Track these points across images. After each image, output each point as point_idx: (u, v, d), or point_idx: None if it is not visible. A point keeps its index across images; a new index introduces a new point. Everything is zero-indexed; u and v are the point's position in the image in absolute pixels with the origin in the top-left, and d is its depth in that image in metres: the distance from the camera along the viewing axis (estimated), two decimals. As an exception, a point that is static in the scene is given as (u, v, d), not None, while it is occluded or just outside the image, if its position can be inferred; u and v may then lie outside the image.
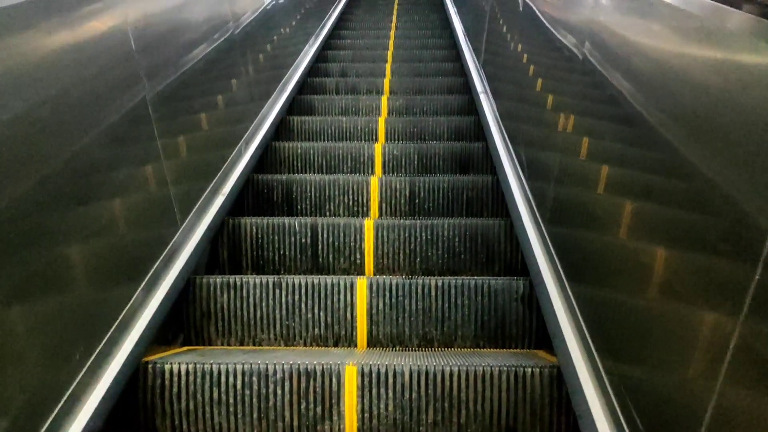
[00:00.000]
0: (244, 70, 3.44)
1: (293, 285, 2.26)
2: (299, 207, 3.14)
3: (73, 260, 1.59)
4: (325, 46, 5.99)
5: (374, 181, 3.13)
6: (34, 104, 1.39)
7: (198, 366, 1.83)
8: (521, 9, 3.20)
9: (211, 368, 1.83)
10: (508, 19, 3.68)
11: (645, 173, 1.50)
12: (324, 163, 3.56)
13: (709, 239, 1.14)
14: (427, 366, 1.83)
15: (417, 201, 3.12)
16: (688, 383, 1.18)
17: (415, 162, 3.56)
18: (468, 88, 4.60)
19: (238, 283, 2.27)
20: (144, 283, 1.95)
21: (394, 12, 7.64)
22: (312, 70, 5.21)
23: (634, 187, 1.57)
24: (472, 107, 4.25)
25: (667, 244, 1.34)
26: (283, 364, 1.83)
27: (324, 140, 3.98)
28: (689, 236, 1.23)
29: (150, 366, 1.83)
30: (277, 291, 2.26)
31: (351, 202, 3.13)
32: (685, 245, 1.25)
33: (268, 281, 2.27)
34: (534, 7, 2.91)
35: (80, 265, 1.62)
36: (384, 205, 3.12)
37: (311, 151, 3.57)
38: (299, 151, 3.58)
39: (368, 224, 2.68)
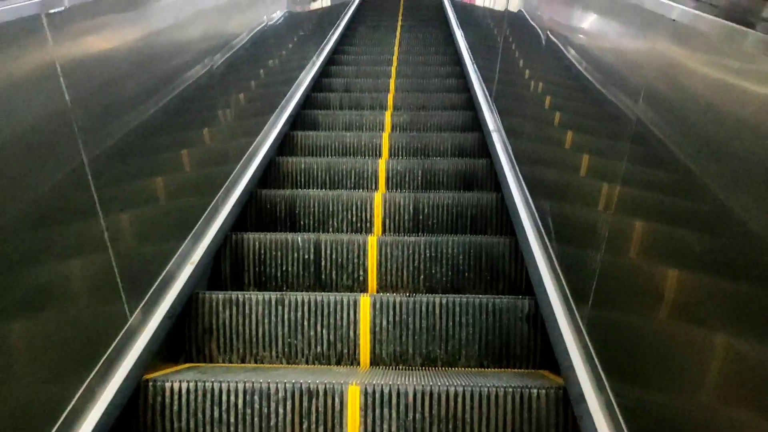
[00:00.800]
0: (243, 91, 3.45)
1: (296, 302, 2.24)
2: (302, 222, 3.12)
3: (73, 276, 1.57)
4: (329, 61, 6.00)
5: (378, 197, 3.11)
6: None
7: (199, 384, 1.81)
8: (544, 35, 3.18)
9: (212, 386, 1.80)
10: (525, 37, 3.67)
11: (653, 193, 1.48)
12: (328, 178, 3.55)
13: (720, 261, 1.12)
14: (431, 386, 1.80)
15: (421, 217, 3.10)
16: (699, 406, 1.15)
17: (419, 177, 3.54)
18: (472, 104, 4.60)
19: (241, 300, 2.25)
20: (146, 299, 1.93)
21: (398, 29, 7.66)
22: (315, 87, 5.21)
23: (643, 209, 1.55)
24: (476, 124, 4.24)
25: (677, 266, 1.32)
26: (285, 383, 1.80)
27: (328, 155, 3.97)
28: (699, 258, 1.21)
29: (150, 384, 1.81)
30: (280, 308, 2.24)
31: (354, 218, 3.11)
32: (694, 267, 1.23)
33: (270, 298, 2.25)
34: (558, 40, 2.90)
35: (80, 281, 1.61)
36: (387, 221, 3.10)
37: (315, 166, 3.56)
38: (303, 166, 3.57)
39: (372, 241, 2.66)
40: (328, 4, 7.03)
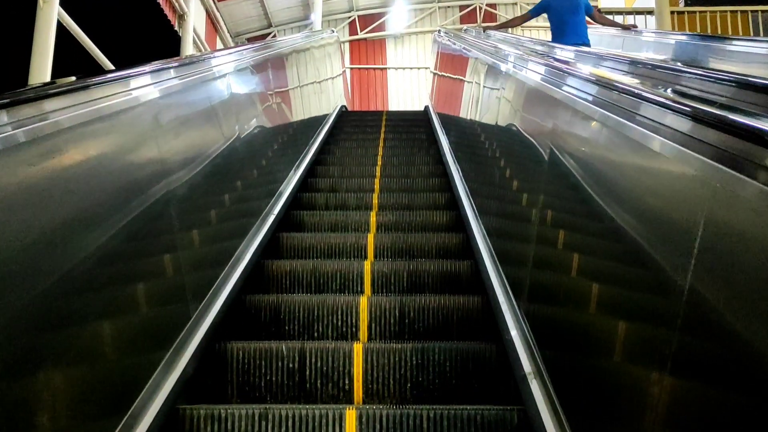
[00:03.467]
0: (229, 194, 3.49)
1: (280, 417, 2.18)
2: (287, 328, 3.09)
3: (46, 397, 1.53)
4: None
5: (363, 302, 3.10)
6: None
7: None
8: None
9: None
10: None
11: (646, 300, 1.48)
12: (313, 281, 3.54)
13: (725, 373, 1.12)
14: None
15: (407, 321, 3.08)
16: None
17: (404, 279, 3.54)
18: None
19: (223, 415, 2.19)
20: (127, 415, 1.87)
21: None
22: (301, 187, 5.28)
23: (639, 320, 1.55)
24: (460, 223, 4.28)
25: (672, 376, 1.31)
26: None
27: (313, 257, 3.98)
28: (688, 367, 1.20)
29: None
30: (263, 423, 2.18)
31: (340, 323, 3.08)
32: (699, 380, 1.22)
33: (253, 412, 2.19)
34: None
35: (60, 400, 1.56)
36: (373, 325, 3.08)
37: (300, 270, 3.56)
38: (288, 269, 3.57)
39: (357, 349, 2.63)
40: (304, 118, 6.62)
